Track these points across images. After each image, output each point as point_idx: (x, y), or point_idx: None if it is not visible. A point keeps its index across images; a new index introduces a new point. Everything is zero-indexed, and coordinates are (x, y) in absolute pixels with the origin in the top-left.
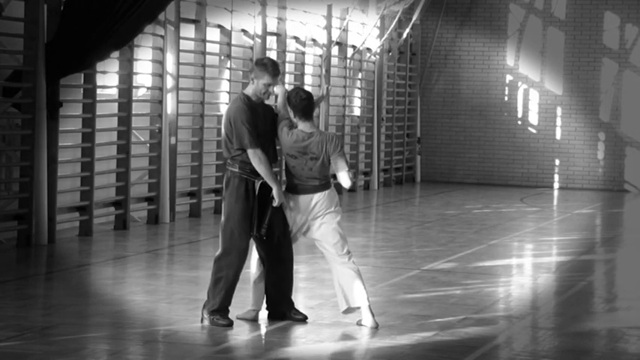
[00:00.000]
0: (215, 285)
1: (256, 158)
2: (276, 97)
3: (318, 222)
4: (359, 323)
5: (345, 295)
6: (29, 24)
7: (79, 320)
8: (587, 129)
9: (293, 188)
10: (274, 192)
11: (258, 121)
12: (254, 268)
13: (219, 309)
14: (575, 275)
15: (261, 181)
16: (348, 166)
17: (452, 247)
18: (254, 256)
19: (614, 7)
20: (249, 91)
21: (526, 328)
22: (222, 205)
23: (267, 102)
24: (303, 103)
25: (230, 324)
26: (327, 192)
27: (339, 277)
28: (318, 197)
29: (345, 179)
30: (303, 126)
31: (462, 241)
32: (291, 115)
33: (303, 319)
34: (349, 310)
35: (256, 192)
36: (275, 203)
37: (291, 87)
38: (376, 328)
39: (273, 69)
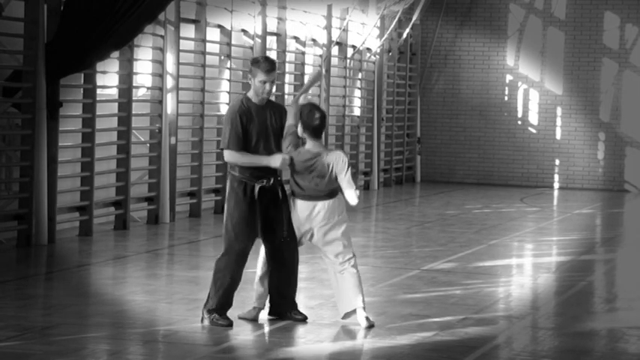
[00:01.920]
0: (214, 285)
1: (231, 158)
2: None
3: (323, 231)
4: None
5: (343, 300)
6: (29, 24)
7: (79, 320)
8: (587, 129)
9: (297, 194)
10: (269, 163)
11: (251, 123)
12: (259, 268)
13: (216, 308)
14: (575, 275)
15: (260, 185)
16: (355, 185)
17: (452, 247)
18: (260, 256)
19: (614, 7)
20: (251, 92)
21: (526, 328)
22: (224, 207)
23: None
24: (316, 123)
25: (230, 324)
26: (331, 201)
27: (337, 283)
28: (321, 205)
29: (351, 198)
30: (310, 145)
31: (462, 241)
32: (300, 130)
33: (303, 319)
34: (347, 316)
35: (256, 196)
36: (277, 166)
37: (309, 99)
38: (369, 327)
39: (265, 65)
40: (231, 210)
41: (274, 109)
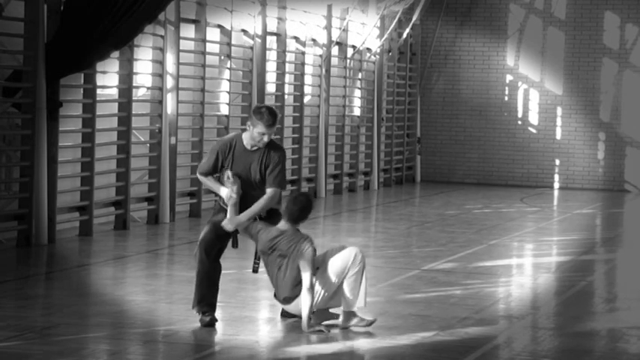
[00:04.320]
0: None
1: (200, 181)
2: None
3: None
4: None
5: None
6: (29, 24)
7: (79, 320)
8: (587, 129)
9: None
10: (219, 192)
11: (229, 163)
12: None
13: (194, 303)
14: (575, 275)
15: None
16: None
17: (452, 247)
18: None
19: (614, 7)
20: (246, 134)
21: (526, 328)
22: None
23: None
24: (295, 212)
25: (209, 324)
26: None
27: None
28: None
29: (304, 281)
30: (282, 224)
31: (462, 241)
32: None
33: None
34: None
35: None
36: (224, 197)
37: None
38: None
39: (268, 119)
40: (212, 215)
41: (270, 152)
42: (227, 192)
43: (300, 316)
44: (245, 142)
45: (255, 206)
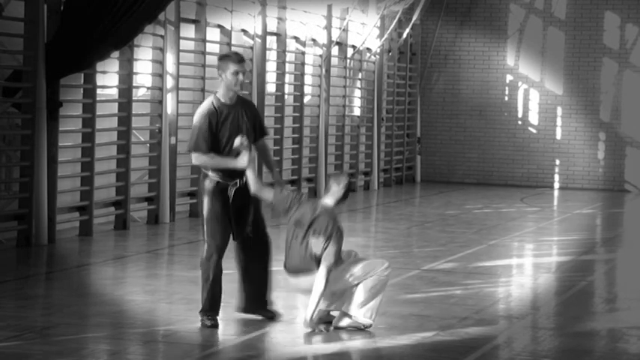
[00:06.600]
0: (203, 286)
1: (198, 161)
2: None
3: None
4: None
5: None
6: (29, 24)
7: (79, 320)
8: (588, 129)
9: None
10: (236, 165)
11: (221, 124)
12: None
13: (206, 308)
14: (575, 275)
15: (235, 188)
16: (330, 265)
17: (452, 247)
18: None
19: (615, 7)
20: (220, 91)
21: (526, 328)
22: (199, 207)
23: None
24: (341, 193)
25: (214, 325)
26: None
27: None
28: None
29: (319, 274)
30: (328, 200)
31: (462, 241)
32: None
33: (272, 317)
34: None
35: (230, 198)
36: (245, 165)
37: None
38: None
39: (236, 56)
40: (207, 212)
41: (245, 106)
42: (246, 158)
43: (302, 313)
44: (223, 99)
45: (271, 162)
